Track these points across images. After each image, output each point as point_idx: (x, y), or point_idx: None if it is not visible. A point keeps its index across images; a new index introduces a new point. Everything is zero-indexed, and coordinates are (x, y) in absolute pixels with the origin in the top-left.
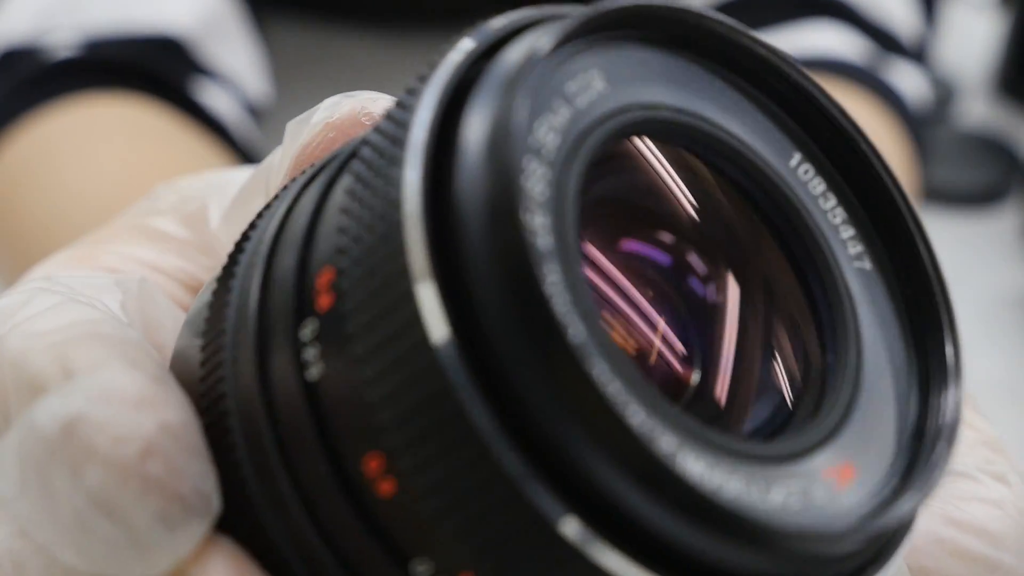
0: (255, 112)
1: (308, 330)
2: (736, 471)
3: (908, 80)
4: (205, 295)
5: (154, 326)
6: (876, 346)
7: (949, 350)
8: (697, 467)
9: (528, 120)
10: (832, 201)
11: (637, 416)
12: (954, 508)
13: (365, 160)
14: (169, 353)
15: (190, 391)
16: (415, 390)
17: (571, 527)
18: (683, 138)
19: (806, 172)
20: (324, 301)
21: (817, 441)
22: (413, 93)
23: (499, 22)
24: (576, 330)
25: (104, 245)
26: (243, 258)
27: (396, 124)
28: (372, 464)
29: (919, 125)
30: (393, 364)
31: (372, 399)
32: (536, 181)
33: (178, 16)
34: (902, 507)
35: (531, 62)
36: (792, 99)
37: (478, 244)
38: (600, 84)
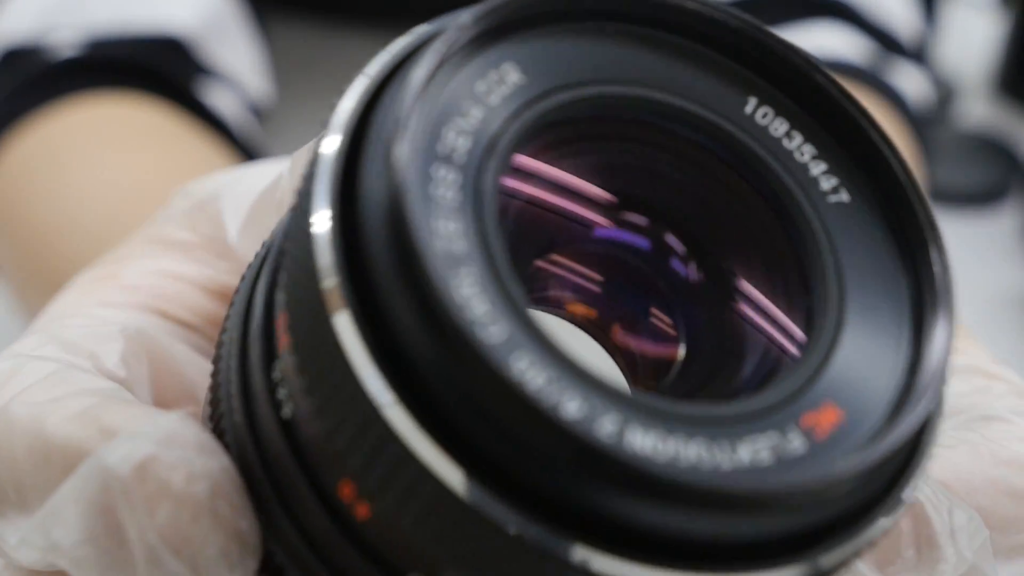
0: (257, 111)
1: (278, 371)
2: (695, 436)
3: (910, 80)
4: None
5: (162, 370)
6: (863, 280)
7: (938, 268)
8: (647, 441)
9: (433, 129)
10: (798, 139)
11: (571, 405)
12: (999, 447)
13: (292, 206)
14: (186, 393)
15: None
16: (352, 416)
17: (527, 528)
18: (622, 109)
19: (764, 116)
20: (283, 342)
21: (795, 389)
22: (321, 135)
23: (397, 45)
24: (495, 331)
25: (125, 262)
26: (237, 299)
27: (310, 165)
28: (346, 490)
29: (921, 125)
30: (330, 394)
31: (327, 428)
32: (447, 188)
33: (181, 16)
34: (894, 438)
35: (407, 93)
36: (738, 46)
37: (382, 263)
38: (515, 76)
